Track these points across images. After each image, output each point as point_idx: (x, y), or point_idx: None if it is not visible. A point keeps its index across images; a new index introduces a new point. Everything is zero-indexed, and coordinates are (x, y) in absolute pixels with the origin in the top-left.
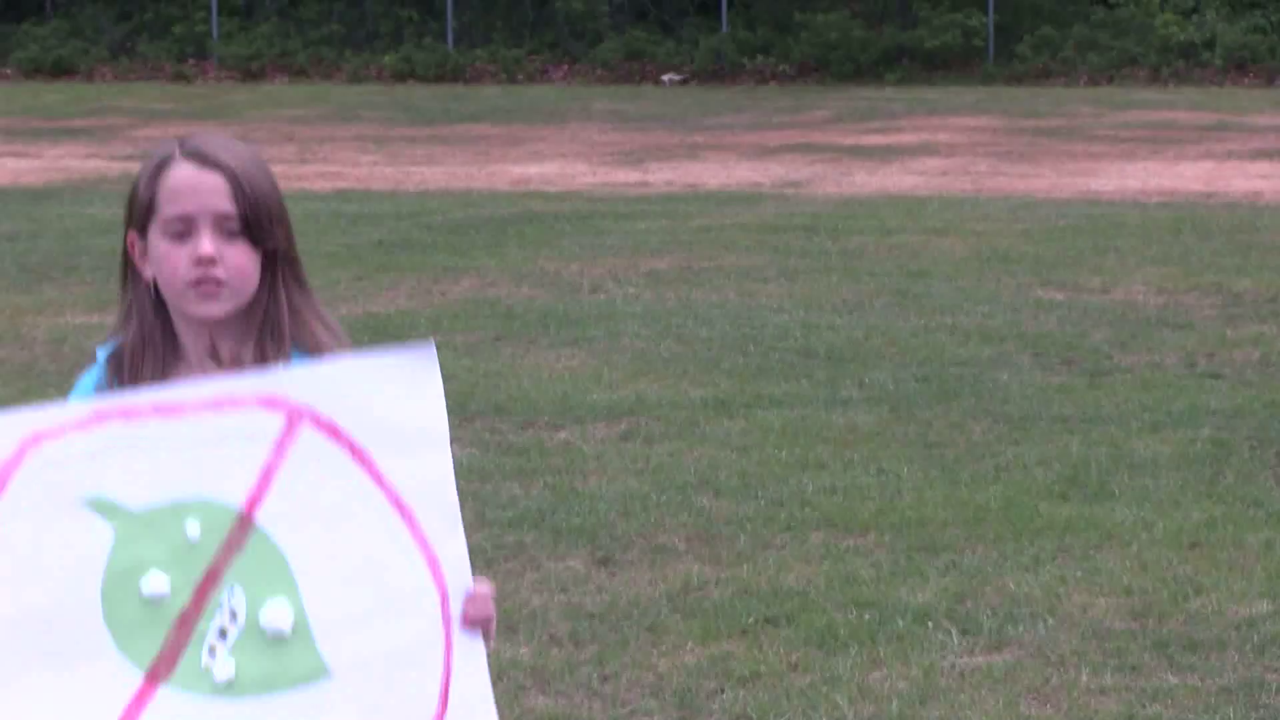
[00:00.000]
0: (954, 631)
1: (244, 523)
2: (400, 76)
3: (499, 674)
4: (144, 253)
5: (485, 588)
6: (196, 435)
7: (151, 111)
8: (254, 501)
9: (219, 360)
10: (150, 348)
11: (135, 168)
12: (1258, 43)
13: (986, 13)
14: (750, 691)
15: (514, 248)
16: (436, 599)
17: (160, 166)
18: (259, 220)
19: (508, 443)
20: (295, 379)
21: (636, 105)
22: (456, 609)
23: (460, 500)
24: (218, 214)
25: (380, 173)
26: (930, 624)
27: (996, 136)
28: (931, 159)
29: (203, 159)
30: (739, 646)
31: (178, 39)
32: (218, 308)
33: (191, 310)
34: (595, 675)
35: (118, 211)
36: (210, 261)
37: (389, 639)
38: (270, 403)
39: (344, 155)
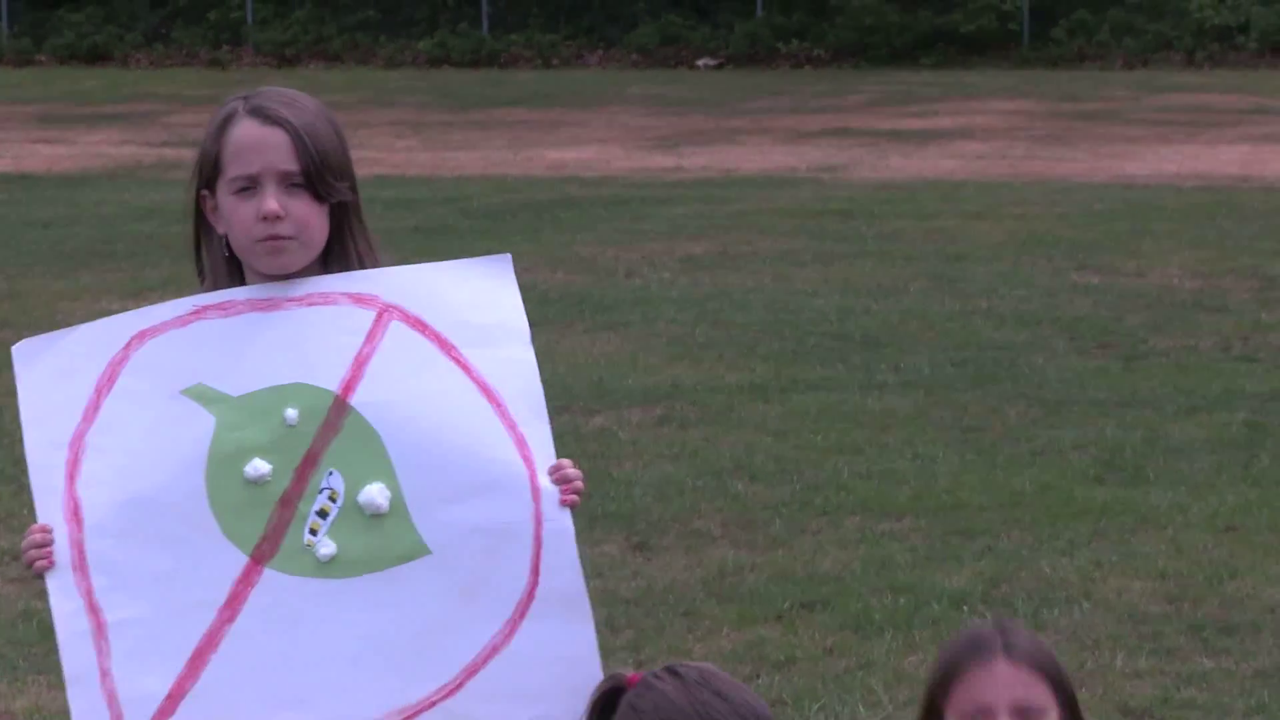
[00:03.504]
0: (989, 615)
1: (340, 406)
2: (436, 62)
3: None
4: (215, 208)
5: (568, 460)
6: (291, 326)
7: (187, 98)
8: (349, 386)
9: None
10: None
11: (170, 154)
12: None
13: None
14: (786, 676)
15: (550, 233)
16: (525, 474)
17: (224, 123)
18: (322, 176)
19: None
20: (383, 279)
21: (672, 90)
22: (545, 482)
23: None
24: (280, 171)
25: (416, 158)
26: (966, 608)
27: (1033, 120)
28: (968, 143)
29: (265, 116)
30: (774, 631)
31: (213, 25)
32: (288, 260)
33: (262, 265)
34: (631, 660)
35: (154, 197)
36: (275, 218)
37: (483, 515)
38: (360, 299)
39: (380, 141)
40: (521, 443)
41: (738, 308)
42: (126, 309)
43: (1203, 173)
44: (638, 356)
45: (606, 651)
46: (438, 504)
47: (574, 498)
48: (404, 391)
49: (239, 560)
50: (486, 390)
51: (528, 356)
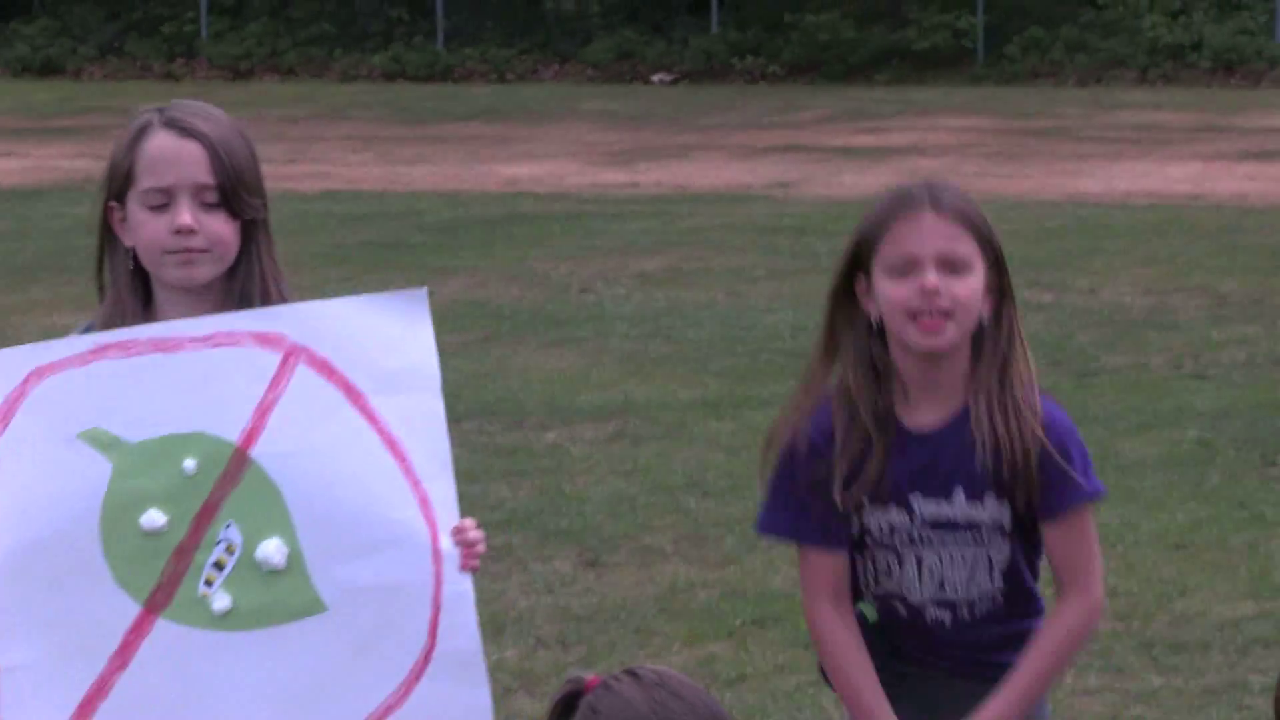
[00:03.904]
0: None
1: (240, 457)
2: (390, 76)
3: None
4: (123, 220)
5: (471, 521)
6: (193, 370)
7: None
8: (250, 437)
9: None
10: (126, 319)
11: None
12: (1244, 44)
13: (976, 14)
14: (737, 693)
15: (503, 248)
16: (427, 535)
17: (139, 134)
18: (237, 192)
19: (496, 444)
20: (292, 317)
21: (627, 105)
22: (446, 545)
23: None
24: (196, 185)
25: (370, 173)
26: None
27: (985, 137)
28: (921, 160)
29: (181, 128)
30: (726, 648)
31: (167, 38)
32: (198, 271)
33: (172, 276)
34: None
35: None
36: (189, 232)
37: (381, 574)
38: (266, 340)
39: (334, 155)
40: (425, 502)
41: (691, 324)
42: (79, 322)
43: (1154, 190)
44: (591, 372)
45: (558, 668)
46: (336, 561)
47: (475, 563)
48: (306, 443)
49: (131, 609)
50: (392, 444)
51: (436, 406)
